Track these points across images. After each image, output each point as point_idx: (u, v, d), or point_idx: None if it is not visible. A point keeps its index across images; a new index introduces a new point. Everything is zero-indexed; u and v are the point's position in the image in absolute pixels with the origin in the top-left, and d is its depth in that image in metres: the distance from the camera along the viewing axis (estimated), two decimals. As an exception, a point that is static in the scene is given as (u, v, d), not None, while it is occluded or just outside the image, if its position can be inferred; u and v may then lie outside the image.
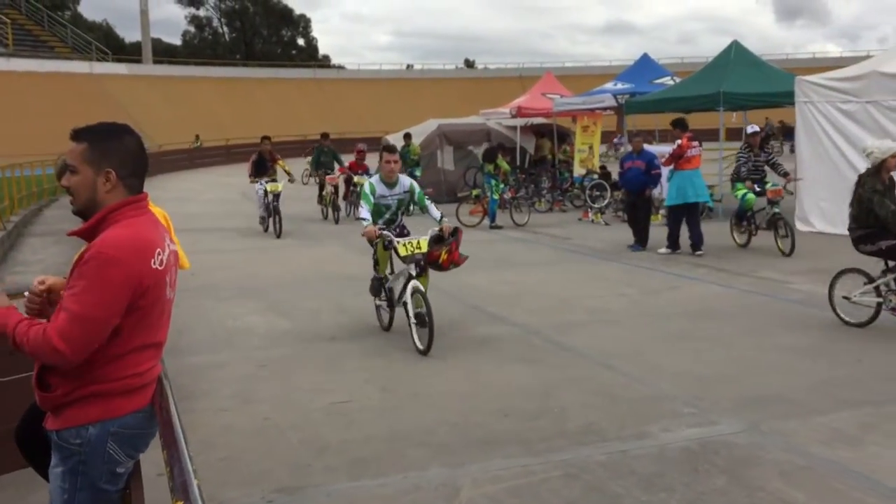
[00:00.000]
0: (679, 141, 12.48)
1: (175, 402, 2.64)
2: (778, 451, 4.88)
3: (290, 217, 16.85)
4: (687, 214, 12.35)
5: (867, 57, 22.55)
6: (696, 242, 12.23)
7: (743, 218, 12.52)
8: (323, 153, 18.97)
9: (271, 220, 15.45)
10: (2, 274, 12.00)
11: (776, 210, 11.99)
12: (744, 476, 4.51)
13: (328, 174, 18.56)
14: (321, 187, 18.83)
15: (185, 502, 1.81)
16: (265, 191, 15.47)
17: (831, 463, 4.69)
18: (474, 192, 17.61)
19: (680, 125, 12.68)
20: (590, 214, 17.08)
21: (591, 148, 20.79)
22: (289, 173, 16.34)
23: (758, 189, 12.13)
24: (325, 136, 19.60)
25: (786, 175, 12.61)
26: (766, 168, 12.53)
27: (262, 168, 15.72)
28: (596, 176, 18.40)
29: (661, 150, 15.16)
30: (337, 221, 17.79)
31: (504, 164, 16.81)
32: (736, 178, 12.35)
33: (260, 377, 6.55)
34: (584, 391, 6.06)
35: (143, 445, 2.79)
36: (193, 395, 6.07)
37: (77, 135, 2.66)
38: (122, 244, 2.53)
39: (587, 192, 17.58)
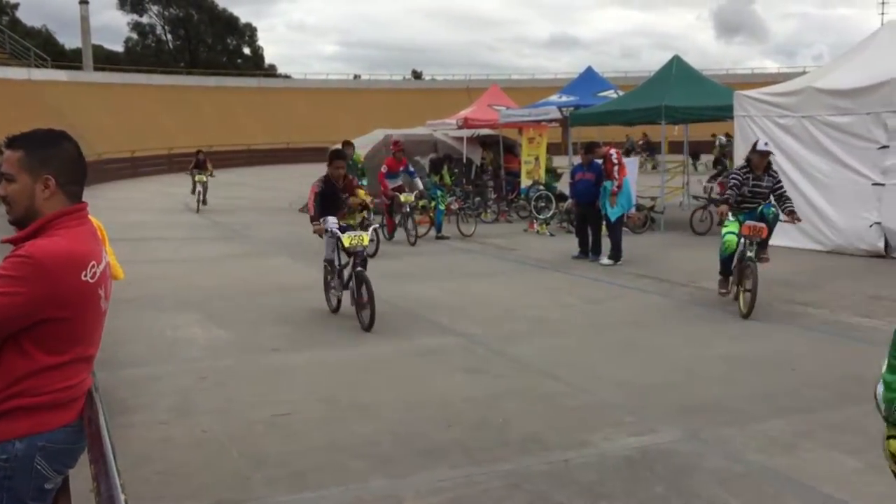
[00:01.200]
0: (612, 153, 12.77)
1: (106, 415, 2.56)
2: (716, 458, 4.96)
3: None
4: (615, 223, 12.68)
5: (803, 73, 23.19)
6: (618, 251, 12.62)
7: (727, 267, 9.44)
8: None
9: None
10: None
11: (749, 254, 8.95)
12: (682, 483, 4.57)
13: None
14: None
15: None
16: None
17: (768, 470, 4.78)
18: (421, 203, 17.60)
19: (596, 145, 13.32)
20: (535, 225, 17.21)
21: (536, 159, 20.96)
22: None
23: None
24: (346, 143, 19.49)
25: (791, 213, 9.24)
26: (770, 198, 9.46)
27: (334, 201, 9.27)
28: (541, 187, 18.56)
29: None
30: (414, 242, 15.43)
31: (447, 177, 16.88)
32: (720, 202, 9.98)
33: (200, 389, 6.44)
34: (528, 400, 6.09)
35: (72, 461, 2.70)
36: (131, 409, 5.93)
37: (12, 142, 2.59)
38: (55, 252, 2.47)
39: (533, 203, 17.73)
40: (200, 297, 10.13)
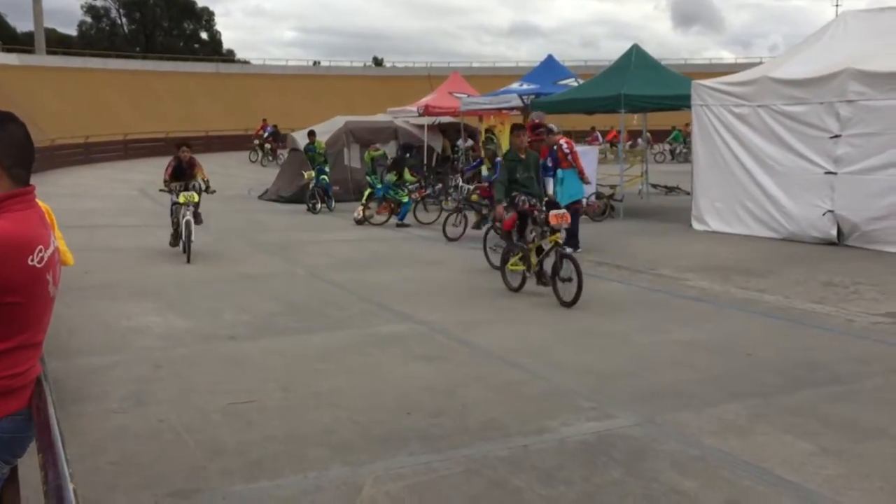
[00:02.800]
0: (562, 142, 12.83)
1: (55, 403, 2.50)
2: (672, 442, 5.02)
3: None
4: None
5: (760, 63, 23.50)
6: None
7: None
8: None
9: None
10: None
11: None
12: (639, 468, 4.61)
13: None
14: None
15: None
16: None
17: (722, 453, 4.84)
18: (366, 192, 17.36)
19: (550, 131, 13.22)
20: (496, 213, 17.20)
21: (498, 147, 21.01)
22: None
23: None
24: (311, 133, 19.58)
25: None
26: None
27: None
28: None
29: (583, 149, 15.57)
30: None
31: (409, 177, 16.82)
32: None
33: (156, 378, 6.34)
34: (487, 387, 6.10)
35: (21, 450, 2.63)
36: (84, 398, 5.82)
37: None
38: (1, 237, 2.39)
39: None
40: (157, 286, 9.98)
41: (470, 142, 22.46)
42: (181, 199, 11.98)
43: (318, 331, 7.88)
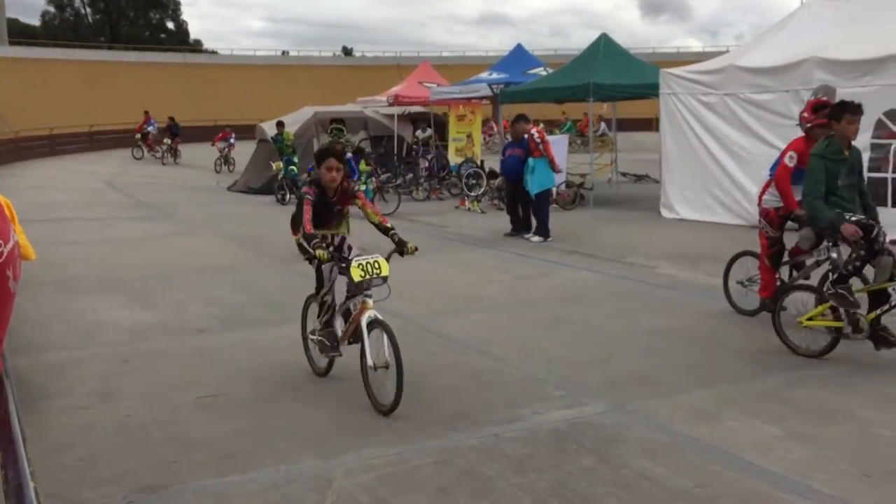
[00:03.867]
0: (534, 131, 12.88)
1: (17, 401, 2.45)
2: (642, 429, 5.05)
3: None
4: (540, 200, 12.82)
5: (726, 51, 23.69)
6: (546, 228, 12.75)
7: None
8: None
9: None
10: None
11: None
12: (610, 455, 4.64)
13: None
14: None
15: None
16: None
17: (691, 439, 4.89)
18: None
19: (524, 118, 13.31)
20: (466, 203, 17.24)
21: (469, 136, 21.00)
22: None
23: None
24: (279, 124, 19.52)
25: None
26: None
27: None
28: (473, 165, 18.60)
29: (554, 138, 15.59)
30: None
31: (363, 167, 16.76)
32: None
33: (123, 373, 6.27)
34: (458, 377, 6.10)
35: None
36: (49, 394, 5.74)
37: None
38: None
39: (464, 180, 17.74)
40: (123, 279, 9.87)
41: (429, 131, 22.43)
42: (355, 276, 5.67)
43: (287, 322, 7.81)
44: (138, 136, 35.57)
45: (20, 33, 61.78)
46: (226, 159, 29.13)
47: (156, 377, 6.15)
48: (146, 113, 36.11)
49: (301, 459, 4.63)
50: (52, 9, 73.13)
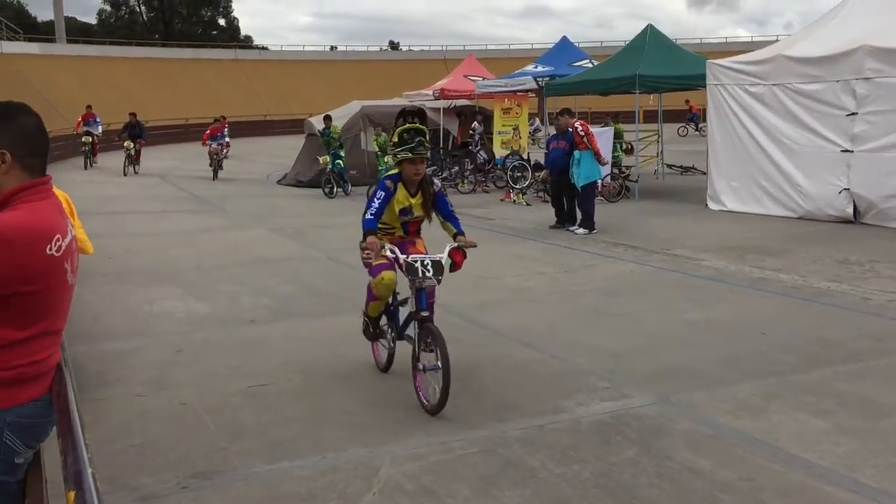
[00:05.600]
0: (577, 124, 12.87)
1: (76, 389, 2.57)
2: (686, 421, 5.07)
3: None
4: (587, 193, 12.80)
5: (775, 41, 23.27)
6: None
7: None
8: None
9: None
10: None
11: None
12: (653, 446, 4.67)
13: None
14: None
15: (77, 492, 1.78)
16: None
17: (736, 432, 4.88)
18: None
19: (568, 112, 13.34)
20: (512, 195, 17.26)
21: (515, 129, 21.00)
22: None
23: None
24: (326, 117, 19.79)
25: None
26: None
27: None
28: (519, 157, 18.60)
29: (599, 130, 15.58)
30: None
31: None
32: None
33: (177, 362, 6.46)
34: (502, 368, 6.16)
35: (43, 435, 2.70)
36: (108, 382, 5.95)
37: None
38: (18, 226, 2.45)
39: (509, 173, 17.75)
40: (177, 271, 10.12)
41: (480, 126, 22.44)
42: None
43: (336, 313, 7.96)
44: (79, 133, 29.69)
45: (78, 31, 63.20)
46: (219, 164, 23.31)
47: (208, 366, 6.33)
48: (88, 107, 30.36)
49: (348, 448, 4.74)
50: (108, 7, 74.72)
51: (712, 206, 14.70)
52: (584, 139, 12.68)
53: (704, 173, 16.08)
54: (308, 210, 16.68)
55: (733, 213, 14.13)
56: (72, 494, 1.75)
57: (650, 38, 17.69)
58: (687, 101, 23.31)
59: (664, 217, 14.15)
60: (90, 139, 27.16)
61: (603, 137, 15.32)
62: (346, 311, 8.03)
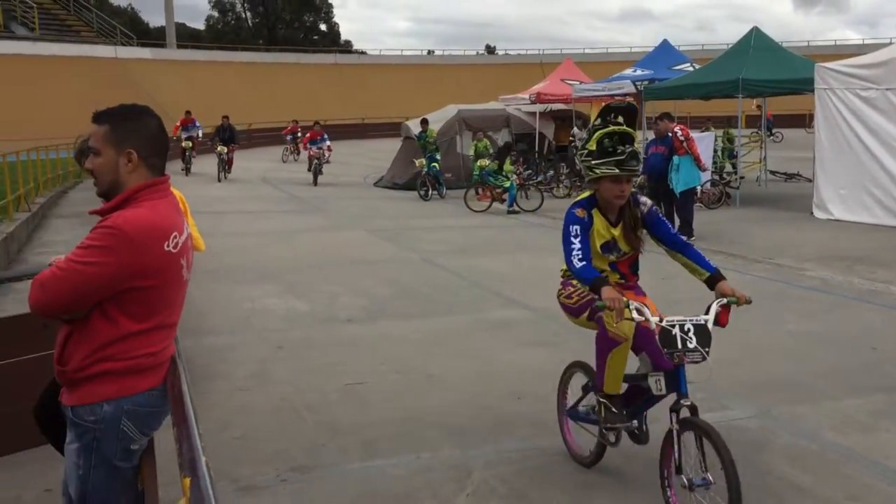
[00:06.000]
0: (677, 129, 12.60)
1: (189, 381, 2.68)
2: (788, 435, 4.91)
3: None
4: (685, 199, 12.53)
5: (889, 44, 22.27)
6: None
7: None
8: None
9: None
10: (26, 254, 12.19)
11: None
12: (754, 460, 4.54)
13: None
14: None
15: (192, 478, 1.86)
16: None
17: (842, 448, 4.70)
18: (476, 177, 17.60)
19: (668, 117, 13.08)
20: (608, 200, 17.02)
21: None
22: None
23: None
24: (423, 121, 20.03)
25: None
26: None
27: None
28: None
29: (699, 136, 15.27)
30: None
31: (508, 165, 16.89)
32: None
33: (277, 358, 6.64)
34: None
35: (157, 423, 2.84)
36: (211, 376, 6.16)
37: (98, 117, 2.71)
38: (140, 223, 2.58)
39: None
40: (277, 270, 10.39)
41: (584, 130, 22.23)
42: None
43: (430, 315, 8.04)
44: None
45: (187, 37, 65.67)
46: (319, 168, 22.95)
47: (306, 364, 6.48)
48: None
49: (441, 448, 4.78)
50: (216, 13, 77.46)
51: (818, 214, 14.17)
52: (684, 144, 12.43)
53: (810, 180, 15.53)
54: (403, 212, 16.88)
55: (841, 221, 13.59)
56: (187, 481, 1.83)
57: (755, 41, 17.19)
58: (758, 107, 22.40)
59: (766, 225, 13.72)
60: (190, 143, 26.77)
61: (703, 143, 14.96)
62: (440, 314, 8.12)
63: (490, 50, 79.63)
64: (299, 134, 30.10)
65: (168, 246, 2.65)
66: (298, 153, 31.24)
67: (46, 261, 8.60)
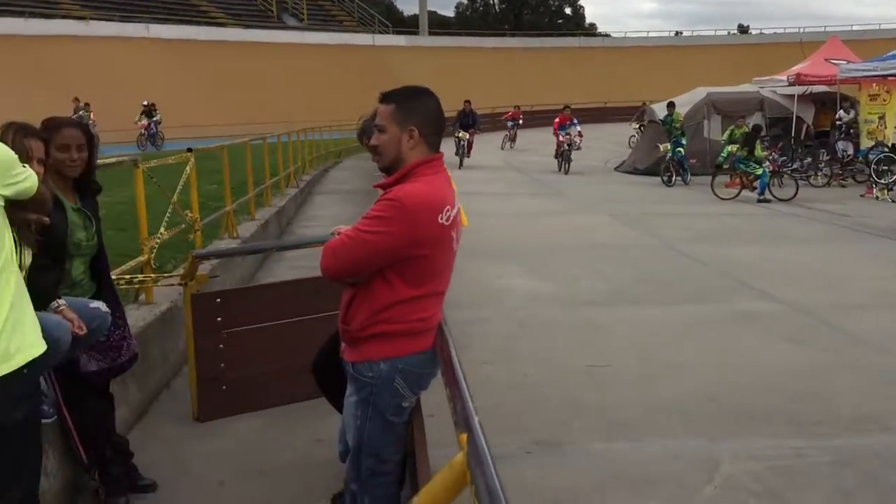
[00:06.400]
0: None
1: (455, 347, 2.85)
2: None
3: None
4: None
5: None
6: None
7: None
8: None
9: None
10: (294, 227, 13.34)
11: None
12: None
13: None
14: None
15: (469, 434, 1.99)
16: None
17: None
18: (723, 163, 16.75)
19: None
20: (874, 191, 15.67)
21: (881, 118, 18.98)
22: None
23: None
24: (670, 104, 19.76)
25: None
26: None
27: None
28: (886, 149, 16.80)
29: None
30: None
31: (759, 150, 15.87)
32: None
33: (520, 335, 6.79)
34: (862, 377, 5.67)
35: (426, 384, 3.06)
36: (459, 347, 6.31)
37: (385, 97, 2.94)
38: (418, 196, 2.78)
39: (872, 166, 16.11)
40: (521, 250, 10.59)
41: (853, 112, 20.47)
42: None
43: (673, 303, 7.86)
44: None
45: (437, 24, 68.17)
46: (567, 155, 21.79)
47: (549, 343, 6.58)
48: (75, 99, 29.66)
49: (685, 437, 4.69)
50: (465, 1, 79.75)
51: None
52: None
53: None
54: (645, 198, 16.53)
55: None
56: (464, 437, 1.96)
57: None
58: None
59: None
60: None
61: None
62: (683, 301, 7.92)
63: (743, 29, 75.42)
64: (520, 120, 30.24)
65: (441, 218, 2.83)
66: (514, 141, 31.61)
67: (311, 233, 9.37)
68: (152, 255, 6.12)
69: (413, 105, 2.92)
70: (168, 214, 6.65)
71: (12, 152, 2.68)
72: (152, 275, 5.83)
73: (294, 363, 5.04)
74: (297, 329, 5.17)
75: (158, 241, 6.35)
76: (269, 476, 4.34)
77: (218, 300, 5.19)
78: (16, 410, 2.59)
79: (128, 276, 5.51)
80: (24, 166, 2.72)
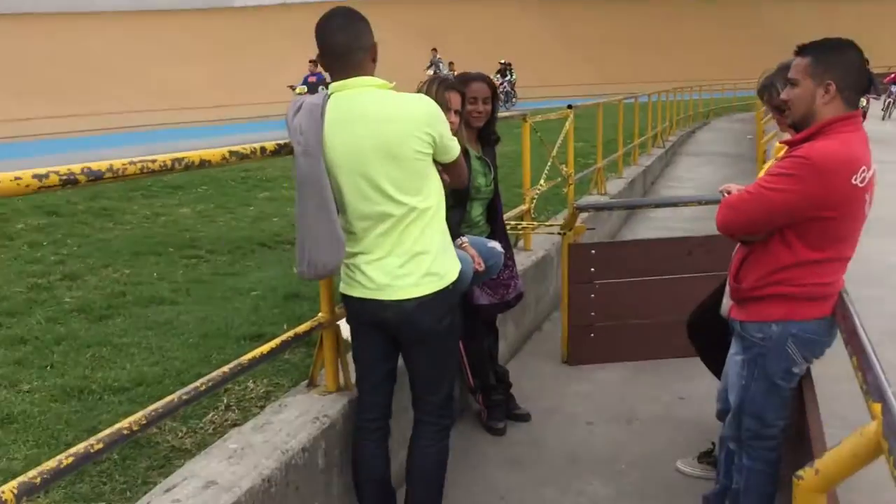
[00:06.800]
0: None
1: (859, 314, 2.65)
2: None
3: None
4: None
5: None
6: None
7: None
8: None
9: None
10: (658, 187, 13.19)
11: None
12: None
13: None
14: None
15: (883, 403, 1.87)
16: None
17: None
18: None
19: None
20: None
21: None
22: None
23: None
24: None
25: None
26: None
27: None
28: None
29: None
30: None
31: None
32: None
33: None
34: None
35: (819, 352, 2.89)
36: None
37: (802, 50, 2.77)
38: (830, 155, 2.62)
39: None
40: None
41: None
42: None
43: None
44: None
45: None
46: None
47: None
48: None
49: None
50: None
51: None
52: None
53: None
54: None
55: None
56: (877, 406, 1.85)
57: None
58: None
59: None
60: None
61: None
62: None
63: None
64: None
65: (855, 180, 2.64)
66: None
67: (674, 194, 9.20)
68: (532, 205, 6.45)
69: (832, 58, 2.72)
70: (548, 168, 6.93)
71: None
72: (533, 223, 6.15)
73: (660, 320, 5.09)
74: (666, 287, 5.18)
75: (538, 191, 6.66)
76: (635, 425, 4.43)
77: (593, 251, 5.35)
78: (444, 320, 2.91)
79: (512, 223, 5.87)
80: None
